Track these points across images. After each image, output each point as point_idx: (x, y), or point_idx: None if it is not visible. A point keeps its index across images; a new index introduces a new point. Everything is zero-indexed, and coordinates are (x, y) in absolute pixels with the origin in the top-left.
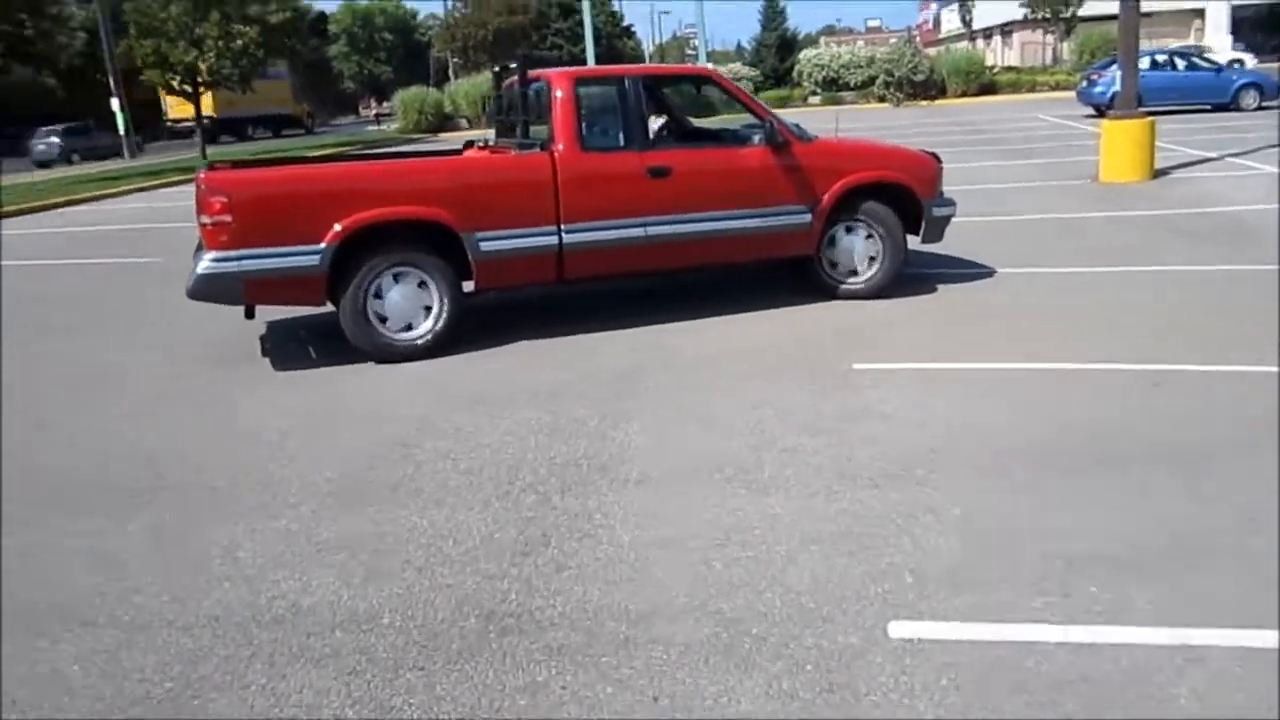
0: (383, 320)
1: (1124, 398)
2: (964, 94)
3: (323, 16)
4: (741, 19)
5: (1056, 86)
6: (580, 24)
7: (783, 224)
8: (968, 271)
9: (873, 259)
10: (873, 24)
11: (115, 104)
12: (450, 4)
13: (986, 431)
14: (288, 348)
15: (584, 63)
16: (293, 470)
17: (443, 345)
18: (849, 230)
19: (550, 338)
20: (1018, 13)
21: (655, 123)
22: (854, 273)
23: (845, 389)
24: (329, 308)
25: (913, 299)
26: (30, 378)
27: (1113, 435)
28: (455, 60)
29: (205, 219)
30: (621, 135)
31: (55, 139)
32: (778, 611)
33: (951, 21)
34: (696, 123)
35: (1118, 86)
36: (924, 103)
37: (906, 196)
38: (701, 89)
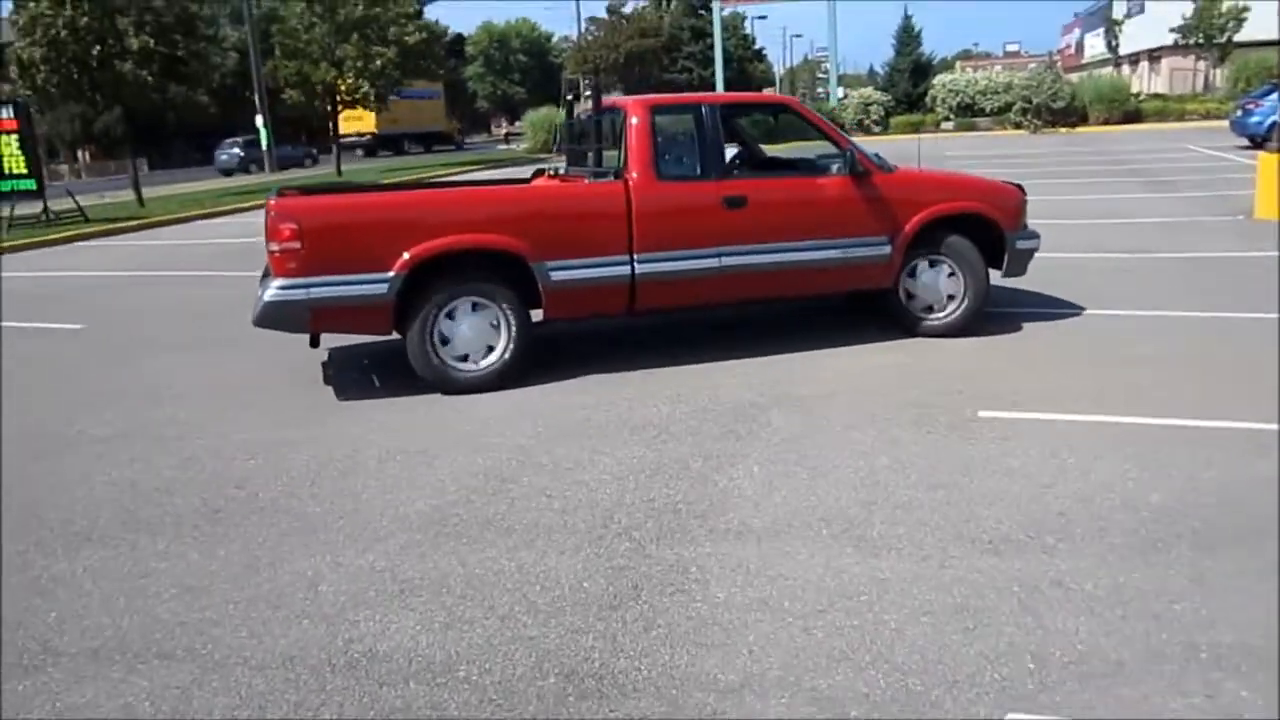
0: (450, 349)
1: (1259, 461)
2: (1106, 121)
3: (460, 39)
4: (875, 43)
5: (1207, 115)
6: (711, 47)
7: (861, 255)
8: (1057, 311)
9: (953, 296)
10: (1011, 48)
11: (259, 120)
12: (584, 27)
13: (1117, 494)
14: (349, 376)
15: (713, 87)
16: (387, 500)
17: (512, 376)
18: (930, 264)
19: (639, 369)
20: (1168, 38)
21: (730, 151)
22: (932, 308)
23: (965, 438)
24: (393, 336)
25: (1007, 338)
26: (111, 393)
27: (1250, 503)
28: (586, 82)
29: (274, 245)
30: (697, 164)
31: (237, 150)
32: (880, 693)
33: (1096, 46)
34: (772, 151)
35: (1276, 116)
36: (1063, 130)
37: (989, 229)
38: (779, 117)
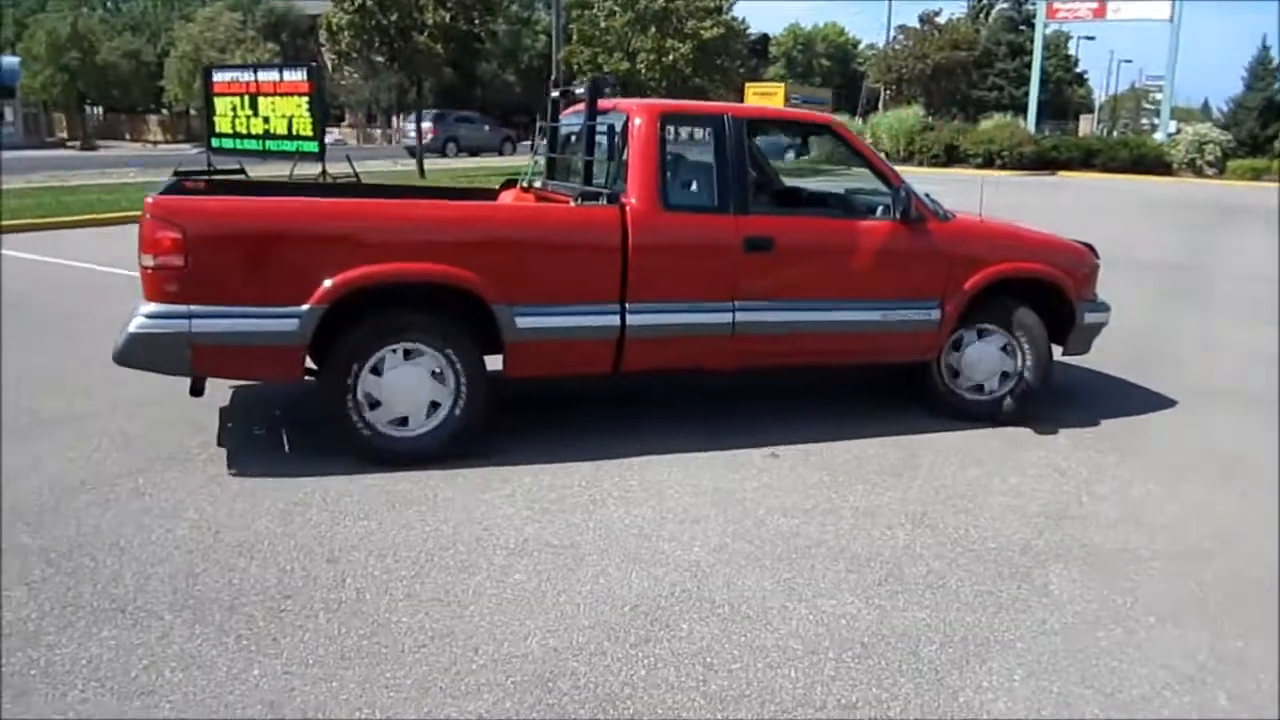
0: (384, 410)
1: None
2: None
3: (765, 38)
4: (1220, 76)
5: None
6: (1027, 65)
7: (906, 320)
8: (1137, 400)
9: (1006, 374)
10: None
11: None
12: (892, 35)
13: None
14: (252, 433)
15: (1025, 109)
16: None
17: (459, 443)
18: (980, 335)
19: (766, 430)
20: None
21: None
22: (979, 388)
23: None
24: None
25: (1122, 436)
26: None
27: None
28: (888, 92)
29: (147, 259)
30: (714, 193)
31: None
32: None
33: None
34: (798, 183)
35: None
36: None
37: (1054, 296)
38: (816, 140)
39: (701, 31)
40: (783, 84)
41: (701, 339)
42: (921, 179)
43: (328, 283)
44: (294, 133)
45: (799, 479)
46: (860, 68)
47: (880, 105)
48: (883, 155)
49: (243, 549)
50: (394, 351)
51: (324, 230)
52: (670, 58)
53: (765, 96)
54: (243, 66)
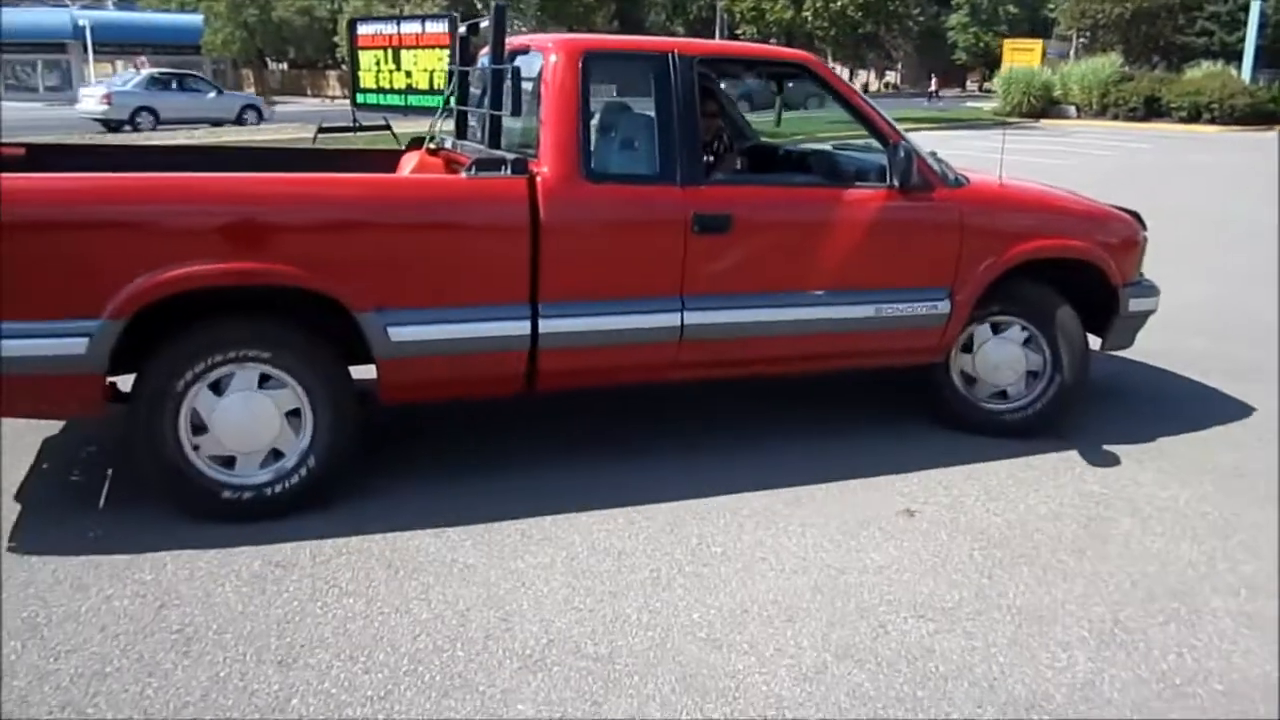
0: (211, 443)
1: None
2: None
3: None
4: None
5: None
6: (1243, 6)
7: (904, 316)
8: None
9: (1035, 374)
10: None
11: None
12: None
13: None
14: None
15: (1238, 57)
16: None
17: (316, 491)
18: (997, 329)
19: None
20: None
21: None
22: (1003, 394)
23: None
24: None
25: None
26: None
27: None
28: (1081, 39)
29: None
30: (656, 156)
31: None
32: None
33: None
34: (779, 143)
35: None
36: None
37: (1092, 277)
38: (790, 84)
39: None
40: (1039, 40)
41: (640, 347)
42: (1117, 135)
43: (130, 286)
44: (435, 87)
45: (938, 552)
46: (1051, 13)
47: (1071, 54)
48: (1069, 105)
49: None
50: (246, 374)
51: (119, 215)
52: (839, 3)
53: (1024, 52)
54: (387, 18)
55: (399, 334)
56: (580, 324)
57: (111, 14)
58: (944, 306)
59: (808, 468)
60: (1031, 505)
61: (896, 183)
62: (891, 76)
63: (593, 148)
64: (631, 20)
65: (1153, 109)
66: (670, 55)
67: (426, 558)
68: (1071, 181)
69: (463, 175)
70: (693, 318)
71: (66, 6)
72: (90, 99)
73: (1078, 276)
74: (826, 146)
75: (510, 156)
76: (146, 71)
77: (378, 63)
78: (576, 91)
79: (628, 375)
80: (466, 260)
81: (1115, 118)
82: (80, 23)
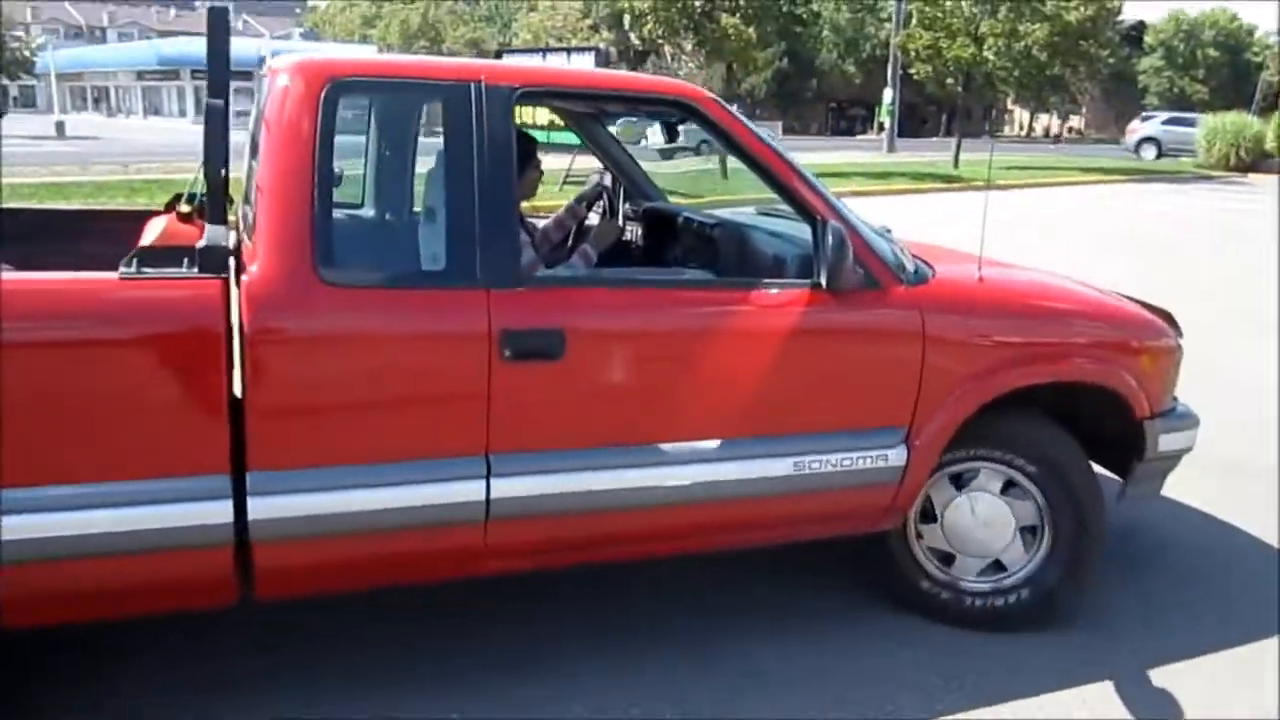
0: None
1: None
2: None
3: (1141, 25)
4: None
5: None
6: None
7: (839, 471)
8: None
9: (1030, 532)
10: None
11: (886, 95)
12: None
13: None
14: None
15: None
16: None
17: None
18: (967, 477)
19: None
20: None
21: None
22: (999, 567)
23: None
24: None
25: None
26: None
27: None
28: None
29: None
30: (442, 243)
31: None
32: None
33: None
34: (685, 209)
35: None
36: None
37: (1109, 406)
38: (672, 129)
39: (1064, 12)
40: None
41: (425, 533)
42: None
43: None
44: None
45: None
46: (1256, 58)
47: None
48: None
49: None
50: None
51: None
52: (1024, 43)
53: None
54: (532, 49)
55: (10, 525)
56: (314, 503)
57: (297, 44)
58: (897, 455)
59: None
60: None
61: (823, 279)
62: (1075, 121)
63: (335, 231)
64: (802, 59)
65: None
66: (473, 85)
67: None
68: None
69: (116, 274)
70: (506, 487)
71: (260, 36)
72: None
73: (1085, 400)
74: (747, 216)
75: (223, 243)
76: None
77: None
78: (312, 141)
79: (412, 572)
80: (116, 412)
81: None
82: (263, 53)
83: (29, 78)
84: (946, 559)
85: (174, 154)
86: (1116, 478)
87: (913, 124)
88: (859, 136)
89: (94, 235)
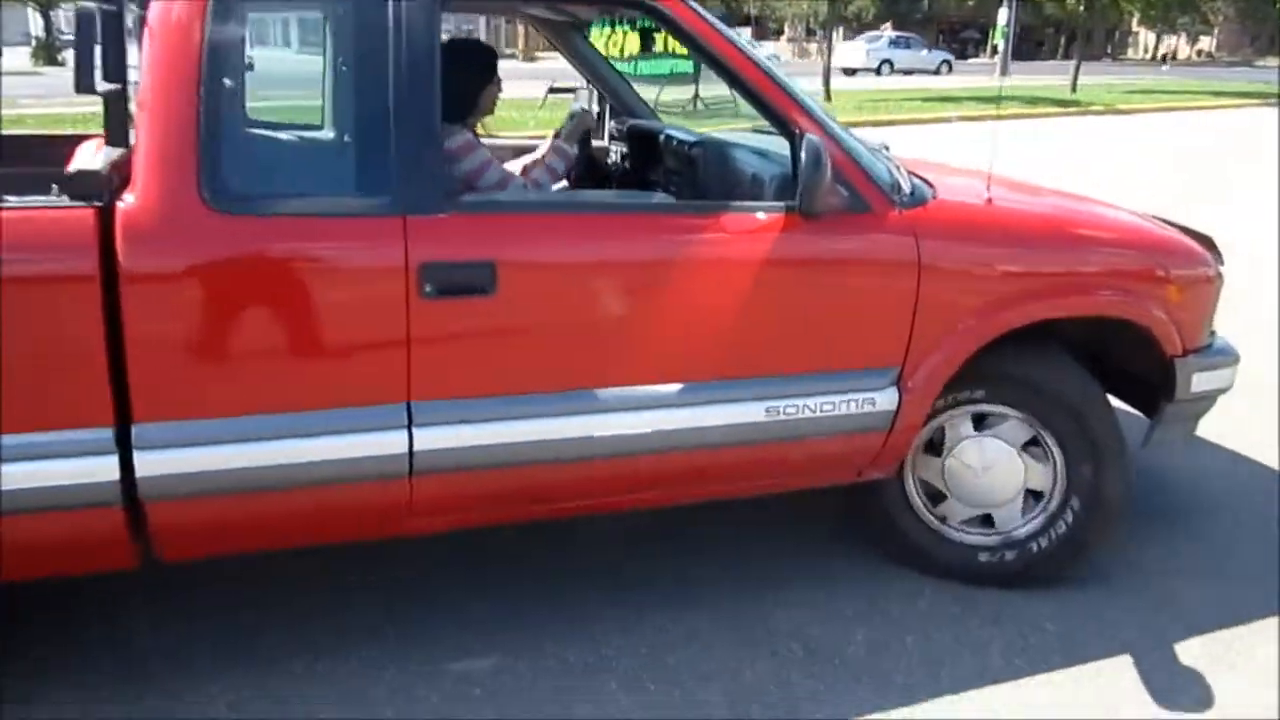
0: None
1: None
2: None
3: None
4: None
5: None
6: None
7: (819, 416)
8: None
9: (1037, 495)
10: None
11: (1001, 15)
12: None
13: None
14: None
15: None
16: None
17: None
18: (976, 421)
19: None
20: None
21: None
22: (986, 520)
23: None
24: None
25: None
26: None
27: None
28: None
29: None
30: (353, 163)
31: None
32: None
33: None
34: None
35: None
36: None
37: (1136, 340)
38: (626, 36)
39: None
40: None
41: (341, 489)
42: None
43: None
44: (669, 50)
45: None
46: None
47: None
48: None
49: None
50: None
51: None
52: None
53: None
54: None
55: None
56: (210, 456)
57: None
58: (887, 398)
59: None
60: None
61: (800, 201)
62: (1205, 43)
63: (224, 151)
64: None
65: None
66: None
67: None
68: None
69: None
70: (431, 437)
71: None
72: None
73: (1110, 335)
74: (735, 134)
75: (95, 167)
76: None
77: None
78: (198, 52)
79: (331, 531)
80: None
81: None
82: None
83: None
84: (935, 501)
85: None
86: (1145, 416)
87: (1028, 47)
88: (970, 60)
89: (34, 162)
